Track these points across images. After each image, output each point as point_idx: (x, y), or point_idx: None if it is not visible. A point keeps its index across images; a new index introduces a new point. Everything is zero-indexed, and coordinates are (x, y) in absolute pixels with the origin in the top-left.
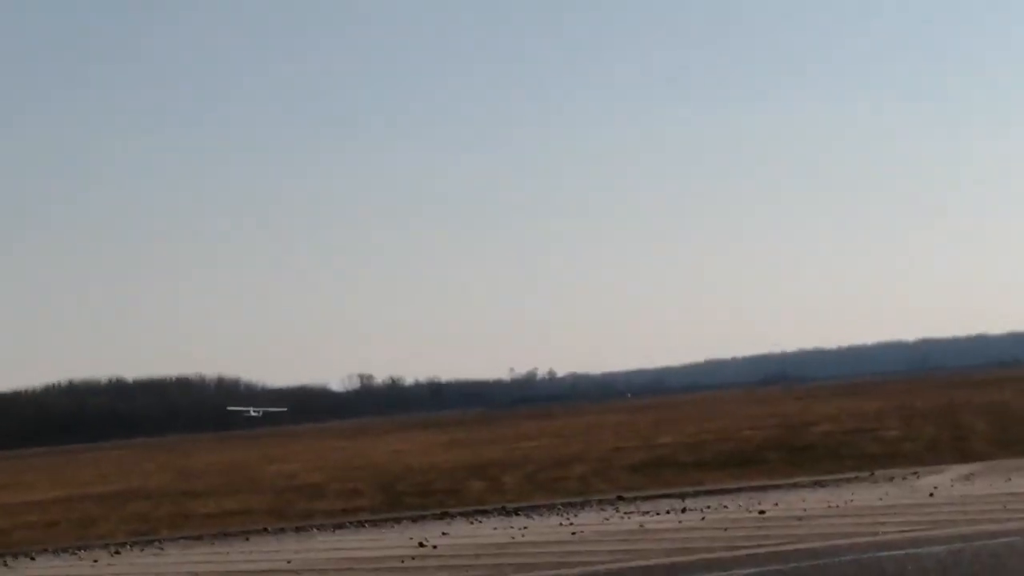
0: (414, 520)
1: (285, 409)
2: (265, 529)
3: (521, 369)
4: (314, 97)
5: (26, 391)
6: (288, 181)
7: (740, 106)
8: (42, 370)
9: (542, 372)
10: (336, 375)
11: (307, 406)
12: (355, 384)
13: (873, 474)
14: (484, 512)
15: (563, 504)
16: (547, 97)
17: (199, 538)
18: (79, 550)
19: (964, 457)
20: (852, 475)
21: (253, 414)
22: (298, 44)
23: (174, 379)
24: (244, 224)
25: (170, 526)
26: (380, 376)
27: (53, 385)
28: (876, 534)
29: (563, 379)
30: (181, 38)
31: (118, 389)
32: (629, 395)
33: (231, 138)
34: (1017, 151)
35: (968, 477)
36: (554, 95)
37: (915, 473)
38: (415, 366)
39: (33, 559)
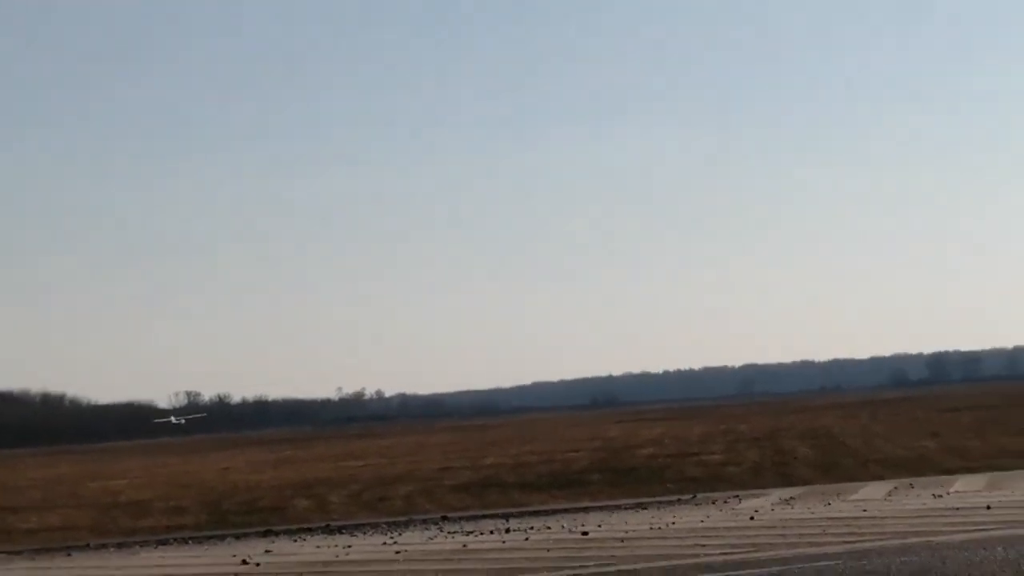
0: (238, 537)
1: (205, 415)
2: (87, 545)
3: (349, 388)
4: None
5: None
6: (113, 194)
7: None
8: None
9: (370, 392)
10: (163, 392)
11: (134, 423)
12: (182, 401)
13: (695, 497)
14: (308, 530)
15: (387, 523)
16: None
17: (19, 553)
18: None
19: (787, 481)
20: (675, 498)
21: (176, 422)
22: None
23: None
24: (67, 238)
25: None
26: (207, 393)
27: None
28: (698, 556)
29: (391, 399)
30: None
31: None
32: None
33: (47, 146)
34: (827, 177)
35: (788, 501)
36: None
37: (736, 496)
38: (242, 384)
39: None
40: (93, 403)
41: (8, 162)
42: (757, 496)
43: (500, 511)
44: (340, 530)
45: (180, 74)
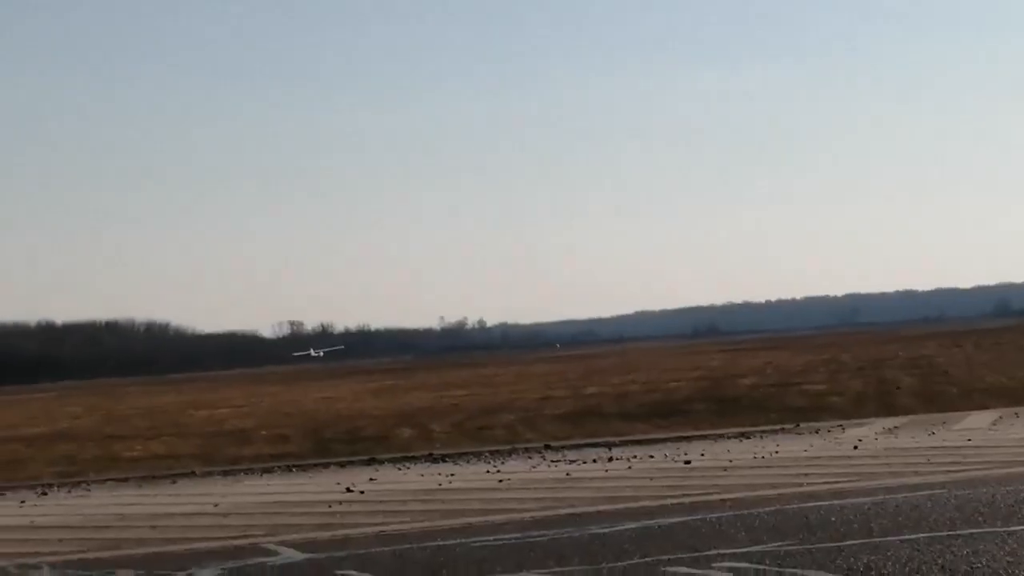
0: (342, 465)
1: (343, 347)
2: (192, 472)
3: (451, 318)
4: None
5: None
6: (221, 126)
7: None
8: None
9: (472, 322)
10: (266, 322)
11: (238, 352)
12: (285, 331)
13: (798, 426)
14: (412, 458)
15: (490, 452)
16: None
17: (125, 480)
18: (6, 491)
19: (889, 411)
20: (778, 427)
21: (315, 354)
22: None
23: (103, 323)
24: (177, 171)
25: (97, 468)
26: (310, 323)
27: None
28: (801, 485)
29: (493, 329)
30: None
31: (48, 332)
32: (558, 345)
33: (160, 81)
34: (938, 109)
35: (892, 430)
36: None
37: (840, 426)
38: (345, 313)
39: None
40: (197, 332)
41: (118, 90)
42: (860, 426)
43: (602, 440)
44: (443, 458)
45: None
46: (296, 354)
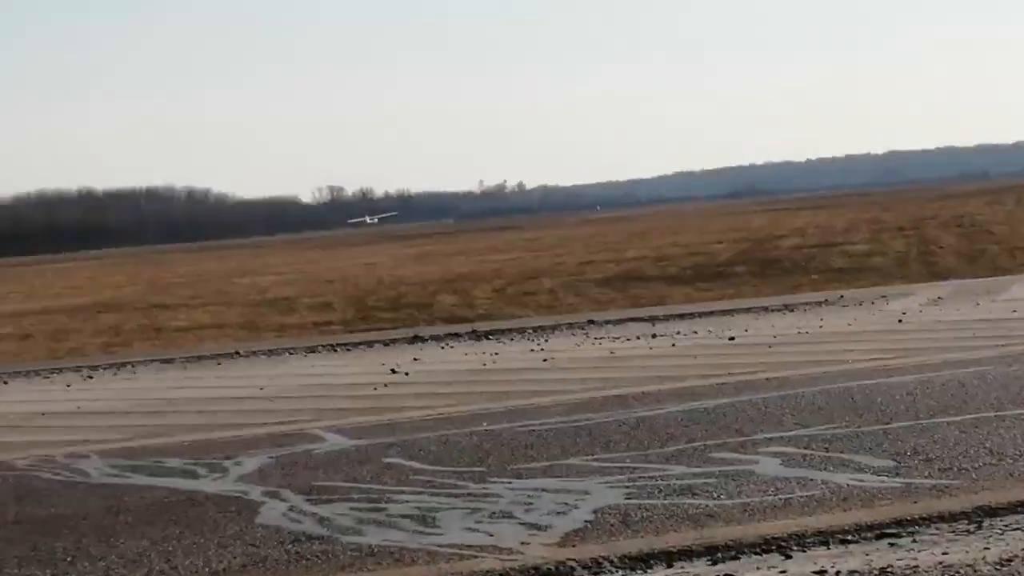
0: (386, 344)
1: (396, 213)
2: (237, 353)
3: (490, 182)
4: None
5: None
6: None
7: None
8: (12, 181)
9: (511, 184)
10: (306, 187)
11: (278, 218)
12: (325, 196)
13: (842, 298)
14: (455, 335)
15: (534, 328)
16: None
17: (171, 361)
18: (52, 373)
19: (932, 271)
20: (822, 298)
21: (370, 221)
22: None
23: (144, 190)
24: (214, 35)
25: (141, 339)
26: (350, 188)
27: (23, 196)
28: (846, 362)
29: (533, 191)
30: None
31: (88, 200)
32: (598, 208)
33: None
34: None
35: (936, 301)
36: None
37: (884, 297)
38: (384, 178)
39: (6, 383)
40: (237, 198)
41: None
42: (905, 296)
43: (646, 314)
44: (487, 335)
45: None
46: (351, 221)
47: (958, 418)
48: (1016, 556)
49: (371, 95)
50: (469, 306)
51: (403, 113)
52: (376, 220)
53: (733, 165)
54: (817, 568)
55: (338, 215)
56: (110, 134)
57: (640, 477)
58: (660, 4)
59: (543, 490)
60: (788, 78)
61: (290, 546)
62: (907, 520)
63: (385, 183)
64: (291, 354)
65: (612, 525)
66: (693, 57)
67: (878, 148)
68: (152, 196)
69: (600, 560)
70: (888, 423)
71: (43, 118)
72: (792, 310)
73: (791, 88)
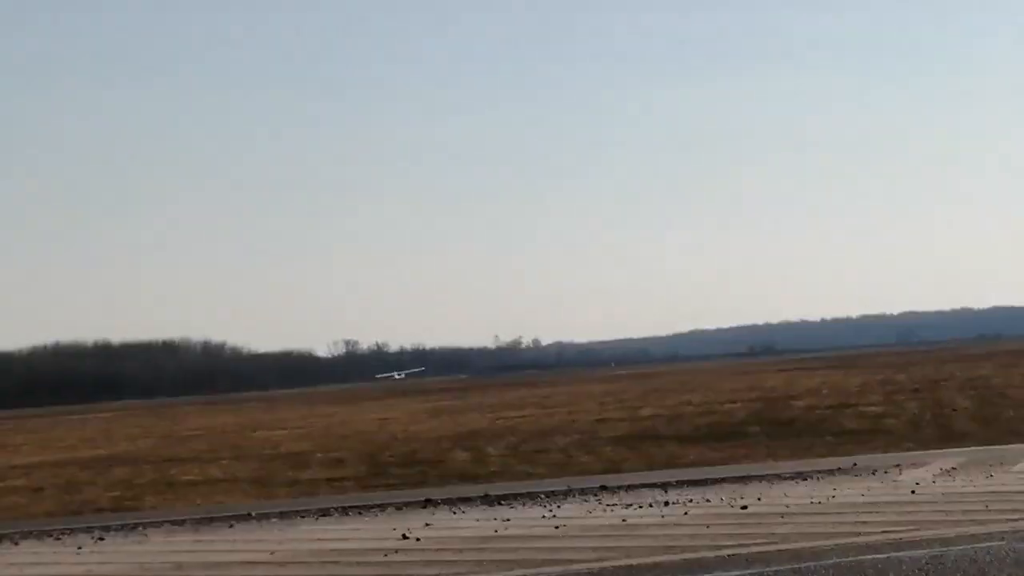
0: (398, 508)
1: (423, 368)
2: (249, 514)
3: (506, 337)
4: (299, 61)
5: (13, 353)
6: (271, 147)
7: (726, 84)
8: (29, 332)
9: (527, 340)
10: (322, 341)
11: (293, 371)
12: (341, 350)
13: (855, 466)
14: (467, 500)
15: (546, 494)
16: (537, 71)
17: (182, 523)
18: (63, 533)
19: (946, 435)
20: (835, 467)
21: (398, 377)
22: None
23: (160, 343)
24: (229, 190)
25: (154, 493)
26: (365, 342)
27: (40, 347)
28: (859, 534)
29: (548, 347)
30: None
31: (104, 352)
32: (613, 365)
33: (212, 106)
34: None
35: (950, 472)
36: (545, 69)
37: (897, 466)
38: (399, 332)
39: (17, 544)
40: (253, 352)
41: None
42: (919, 465)
43: (659, 480)
44: (499, 501)
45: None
46: (379, 376)
47: None
48: None
49: (386, 250)
50: (482, 463)
51: (418, 268)
52: (403, 375)
53: (749, 324)
54: None
55: (353, 369)
56: (127, 287)
57: None
58: (682, 167)
59: None
60: (804, 238)
61: None
62: None
63: (400, 337)
64: (303, 517)
65: None
66: (706, 215)
67: (893, 309)
68: (168, 349)
69: None
70: None
71: (59, 271)
72: (805, 478)
73: (807, 248)
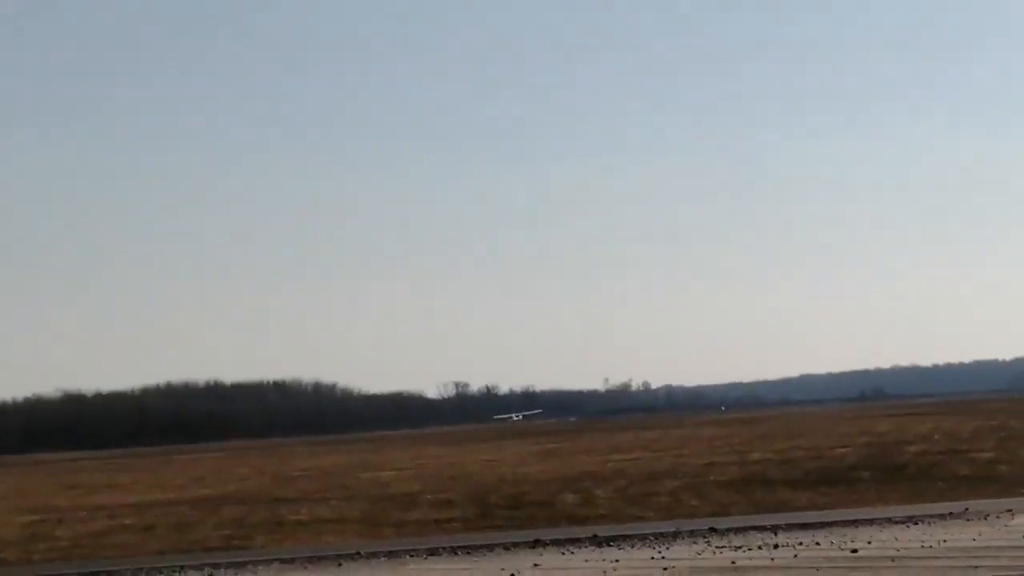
0: (507, 548)
1: (540, 411)
2: (358, 553)
3: (616, 380)
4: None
5: (126, 392)
6: (381, 184)
7: (839, 135)
8: (142, 372)
9: (636, 383)
10: (432, 383)
11: (403, 412)
12: (451, 391)
13: (967, 511)
14: (576, 541)
15: (655, 535)
16: (636, 113)
17: (292, 561)
18: (174, 571)
19: None
20: (946, 511)
21: (516, 418)
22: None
23: (271, 383)
24: (342, 230)
25: (263, 532)
26: (475, 384)
27: (152, 387)
28: None
29: (657, 391)
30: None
31: (216, 392)
32: (723, 408)
33: (324, 143)
34: None
35: None
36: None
37: (1009, 511)
38: (510, 375)
39: None
40: (363, 392)
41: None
42: None
43: (768, 523)
44: (608, 542)
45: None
46: (497, 417)
47: None
48: None
49: (497, 292)
50: (591, 506)
51: (530, 310)
52: (520, 417)
53: (859, 369)
54: None
55: (463, 410)
56: (239, 327)
57: None
58: (794, 211)
59: None
60: (916, 283)
61: None
62: None
63: (510, 379)
64: (412, 556)
65: None
66: (821, 264)
67: (1006, 355)
68: (280, 389)
69: None
70: None
71: (172, 310)
72: (916, 522)
73: (919, 293)
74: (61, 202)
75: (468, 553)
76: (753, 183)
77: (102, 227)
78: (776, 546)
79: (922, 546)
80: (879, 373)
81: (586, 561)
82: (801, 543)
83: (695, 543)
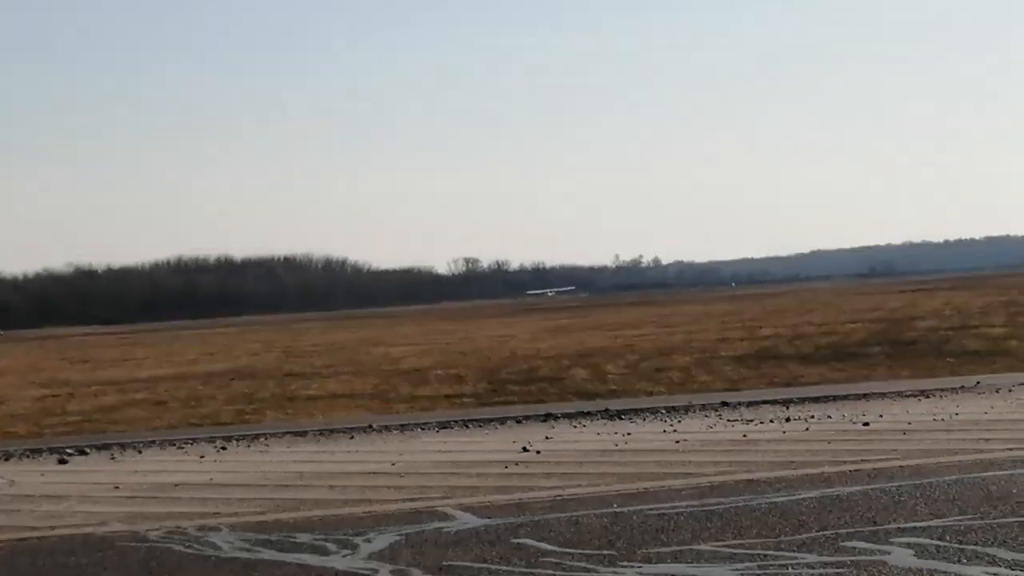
0: (518, 421)
1: (573, 287)
2: (370, 426)
3: (626, 256)
4: None
5: (136, 267)
6: (402, 55)
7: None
8: (152, 247)
9: (647, 259)
10: (441, 257)
11: (413, 288)
12: (461, 268)
13: (978, 384)
14: (588, 415)
15: (666, 409)
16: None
17: (304, 434)
18: (186, 443)
19: None
20: (958, 384)
21: (550, 294)
22: None
23: (281, 258)
24: (352, 105)
25: (274, 407)
26: (486, 260)
27: (163, 262)
28: (981, 451)
29: (668, 267)
30: None
31: (226, 267)
32: (734, 284)
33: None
34: None
35: None
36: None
37: (1022, 384)
38: (520, 250)
39: (140, 452)
40: (373, 268)
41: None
42: None
43: (780, 397)
44: (619, 415)
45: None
46: (530, 292)
47: None
48: None
49: (508, 167)
50: (601, 381)
51: (540, 186)
52: (554, 293)
53: (871, 244)
54: None
55: (473, 286)
56: (249, 202)
57: (771, 564)
58: (805, 85)
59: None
60: (926, 158)
61: None
62: None
63: (520, 255)
64: (423, 429)
65: None
66: (829, 133)
67: (1018, 230)
68: (290, 264)
69: None
70: None
71: (183, 183)
72: (928, 396)
73: (930, 168)
74: (77, 77)
75: (480, 426)
76: (758, 51)
77: (116, 96)
78: (788, 419)
79: (934, 419)
80: (890, 249)
81: (598, 434)
82: (813, 416)
83: (707, 416)
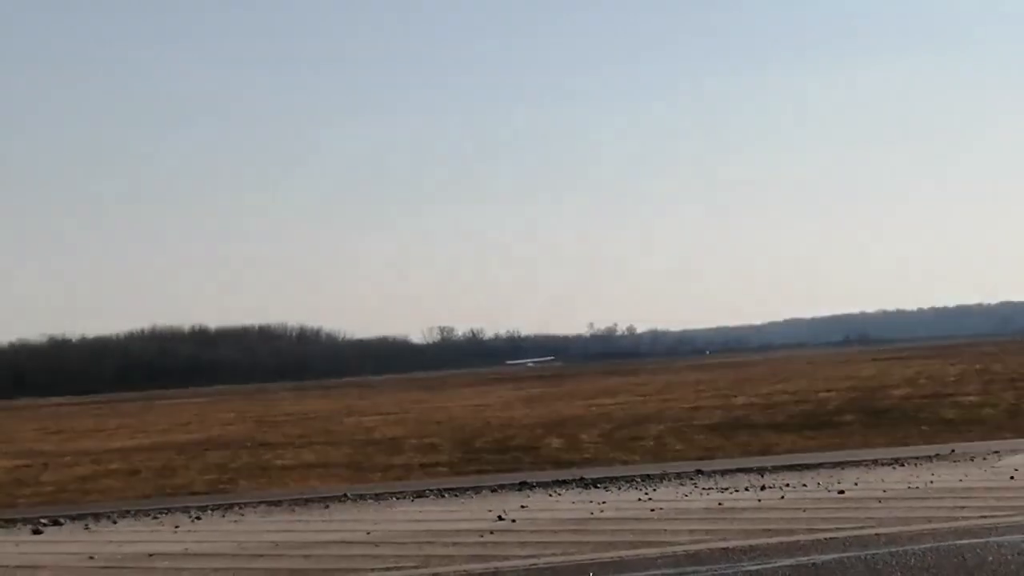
0: (493, 490)
1: (552, 357)
2: (345, 495)
3: (600, 325)
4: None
5: (111, 337)
6: (367, 132)
7: (804, 69)
8: (126, 317)
9: (621, 328)
10: (416, 327)
11: (388, 358)
12: (436, 337)
13: (953, 452)
14: (563, 483)
15: (641, 477)
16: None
17: (278, 504)
18: (161, 513)
19: None
20: (932, 452)
21: (530, 364)
22: None
23: (256, 328)
24: (325, 176)
25: (248, 477)
26: (460, 329)
27: (137, 332)
28: (956, 519)
29: (642, 335)
30: None
31: (200, 337)
32: (708, 352)
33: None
34: None
35: None
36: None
37: (996, 453)
38: (494, 319)
39: (115, 522)
40: (348, 338)
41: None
42: (1017, 453)
43: (755, 465)
44: (595, 484)
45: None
46: (509, 362)
47: None
48: None
49: (482, 237)
50: (576, 450)
51: (515, 256)
52: (533, 363)
53: (844, 313)
54: None
55: (448, 356)
56: (223, 273)
57: None
58: (762, 151)
59: None
60: (902, 227)
61: None
62: None
63: (495, 324)
64: (398, 498)
65: None
66: (805, 207)
67: (991, 299)
68: (264, 334)
69: None
70: None
71: (157, 256)
72: (902, 464)
73: (904, 238)
74: (50, 144)
75: (455, 495)
76: (740, 126)
77: (88, 170)
78: (763, 488)
79: (909, 487)
80: (864, 317)
81: (573, 503)
82: (788, 484)
83: (682, 485)
